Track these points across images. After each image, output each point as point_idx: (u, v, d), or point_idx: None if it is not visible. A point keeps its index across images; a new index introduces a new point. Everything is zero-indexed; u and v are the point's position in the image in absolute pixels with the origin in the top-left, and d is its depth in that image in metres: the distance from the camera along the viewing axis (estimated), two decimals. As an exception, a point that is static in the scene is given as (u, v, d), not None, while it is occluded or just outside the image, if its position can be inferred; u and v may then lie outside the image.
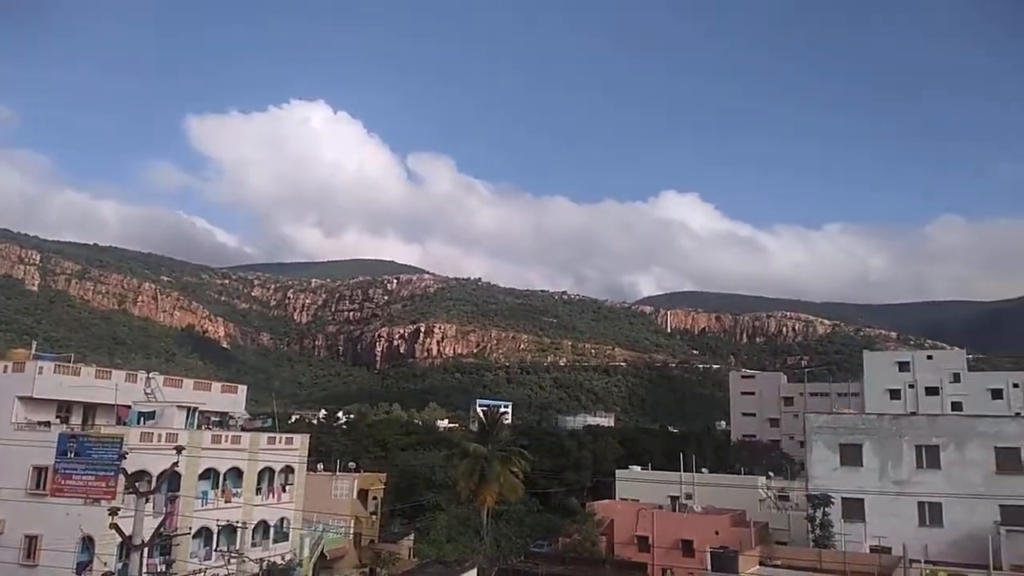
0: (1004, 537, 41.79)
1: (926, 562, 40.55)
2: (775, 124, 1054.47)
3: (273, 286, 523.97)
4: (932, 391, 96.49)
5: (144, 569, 29.96)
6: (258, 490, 52.35)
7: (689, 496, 67.21)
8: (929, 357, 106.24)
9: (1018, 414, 62.39)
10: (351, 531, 65.82)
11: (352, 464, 79.69)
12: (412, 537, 67.47)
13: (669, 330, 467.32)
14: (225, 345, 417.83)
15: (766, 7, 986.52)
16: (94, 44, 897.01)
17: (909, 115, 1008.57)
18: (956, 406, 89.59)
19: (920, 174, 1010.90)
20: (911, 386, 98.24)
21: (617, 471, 79.15)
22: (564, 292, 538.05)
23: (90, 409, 49.41)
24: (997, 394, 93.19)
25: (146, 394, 51.53)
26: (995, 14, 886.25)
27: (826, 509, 47.58)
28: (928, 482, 46.57)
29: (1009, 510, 43.59)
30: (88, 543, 39.99)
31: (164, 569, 41.63)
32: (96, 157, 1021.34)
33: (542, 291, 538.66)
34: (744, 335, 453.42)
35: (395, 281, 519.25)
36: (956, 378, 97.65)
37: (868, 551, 44.06)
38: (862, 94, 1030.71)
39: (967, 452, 46.33)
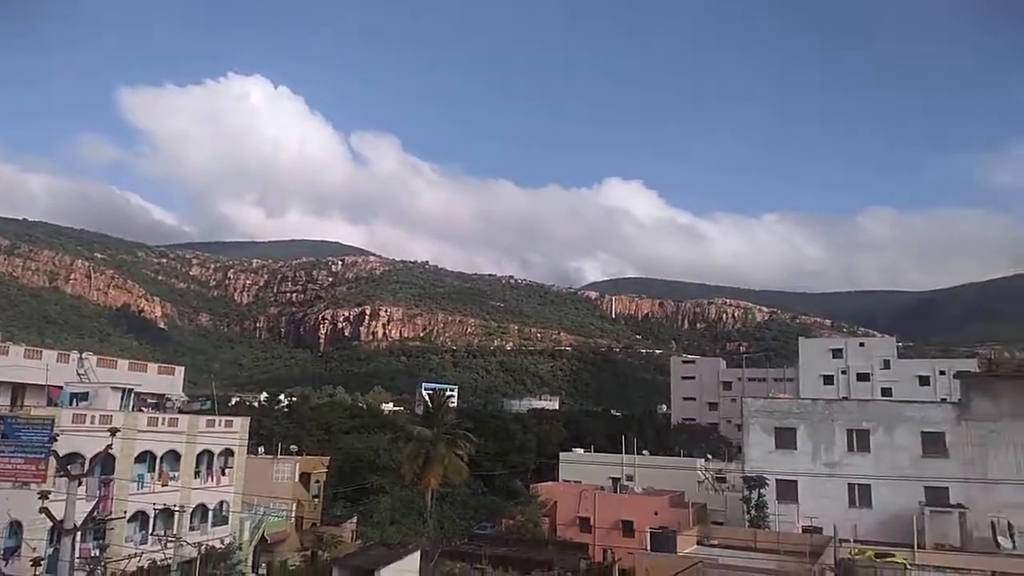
0: (928, 517, 43.63)
1: (855, 541, 41.98)
2: (716, 113, 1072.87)
3: (213, 265, 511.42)
4: (863, 377, 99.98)
5: (77, 554, 29.14)
6: (196, 473, 51.37)
7: (630, 478, 68.33)
8: (861, 344, 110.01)
9: (944, 400, 65.07)
10: (292, 514, 65.14)
11: (294, 447, 78.78)
12: (355, 520, 67.09)
13: (614, 315, 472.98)
14: (162, 325, 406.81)
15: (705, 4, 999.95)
16: (21, 8, 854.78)
17: (845, 109, 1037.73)
18: (886, 392, 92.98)
19: (853, 165, 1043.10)
20: (844, 372, 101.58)
21: (561, 454, 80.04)
22: (511, 276, 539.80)
23: (19, 390, 47.68)
24: (924, 381, 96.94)
25: (79, 375, 50.03)
26: (930, 15, 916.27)
27: (761, 491, 48.80)
28: (858, 465, 48.23)
29: (933, 491, 45.43)
30: (16, 528, 38.73)
31: (98, 554, 40.54)
32: (22, 128, 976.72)
33: (489, 275, 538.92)
34: (686, 321, 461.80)
35: (340, 263, 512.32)
36: (886, 365, 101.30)
37: (800, 531, 45.37)
38: (801, 89, 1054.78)
39: (895, 436, 48.08)
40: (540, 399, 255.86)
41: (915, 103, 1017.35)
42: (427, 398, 75.91)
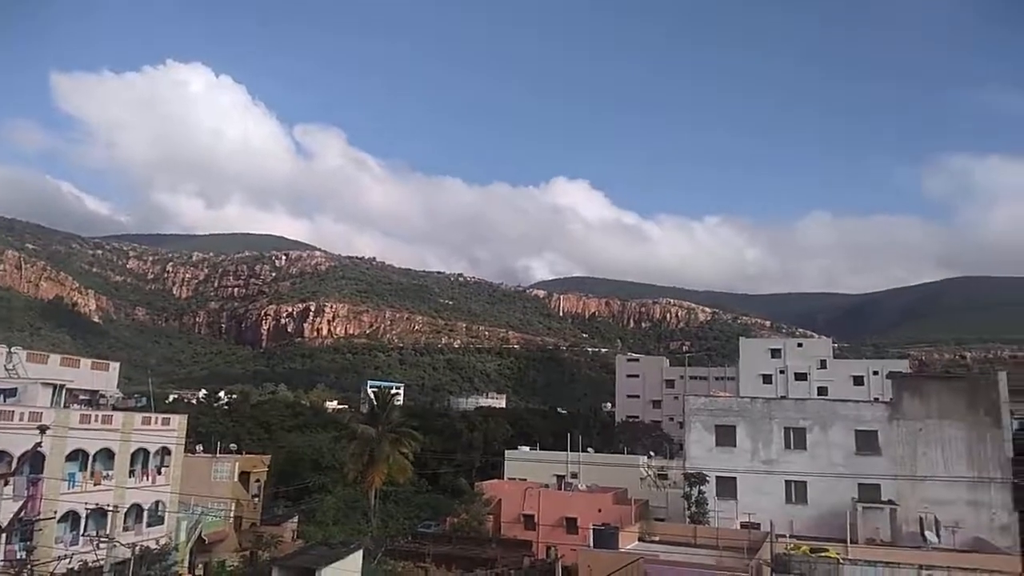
0: (860, 513, 45.08)
1: (791, 537, 43.11)
2: (659, 114, 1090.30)
3: (151, 258, 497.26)
4: (801, 377, 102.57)
5: (2, 555, 28.01)
6: (131, 472, 49.97)
7: (575, 475, 68.86)
8: (799, 345, 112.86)
9: (876, 400, 67.21)
10: (231, 514, 63.91)
11: (233, 446, 77.35)
12: (296, 519, 66.14)
13: (561, 314, 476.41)
14: (97, 319, 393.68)
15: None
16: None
17: (784, 114, 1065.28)
18: (822, 391, 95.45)
19: (792, 170, 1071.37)
20: (782, 372, 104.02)
21: (506, 451, 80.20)
22: (460, 274, 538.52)
23: (-59, 385, 45.65)
24: (858, 380, 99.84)
25: (7, 370, 48.21)
26: (878, 26, 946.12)
27: (702, 487, 49.69)
28: (795, 462, 49.47)
29: (866, 488, 46.96)
30: (-64, 530, 36.95)
31: (24, 555, 38.97)
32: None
33: (438, 273, 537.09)
34: (631, 320, 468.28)
35: (284, 258, 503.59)
36: (823, 365, 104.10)
37: (739, 527, 46.37)
38: (740, 93, 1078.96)
39: (830, 434, 49.49)
40: (487, 397, 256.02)
41: (855, 113, 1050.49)
42: (372, 396, 75.28)
